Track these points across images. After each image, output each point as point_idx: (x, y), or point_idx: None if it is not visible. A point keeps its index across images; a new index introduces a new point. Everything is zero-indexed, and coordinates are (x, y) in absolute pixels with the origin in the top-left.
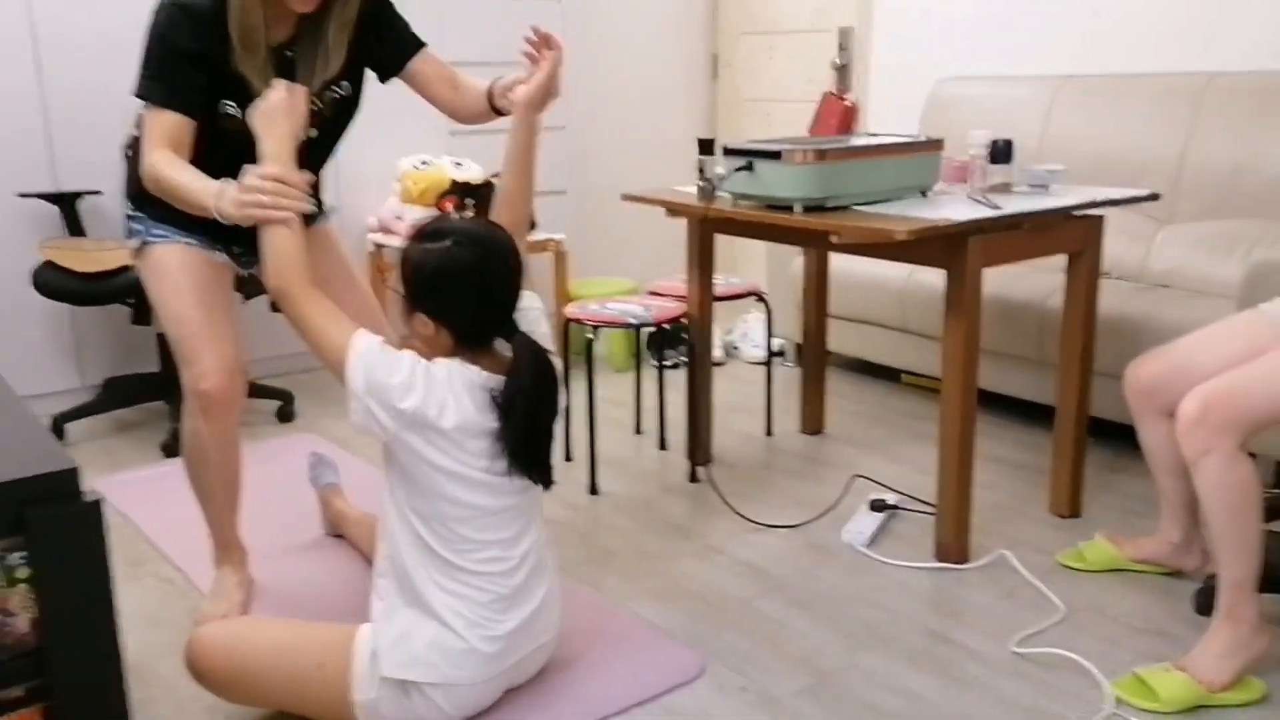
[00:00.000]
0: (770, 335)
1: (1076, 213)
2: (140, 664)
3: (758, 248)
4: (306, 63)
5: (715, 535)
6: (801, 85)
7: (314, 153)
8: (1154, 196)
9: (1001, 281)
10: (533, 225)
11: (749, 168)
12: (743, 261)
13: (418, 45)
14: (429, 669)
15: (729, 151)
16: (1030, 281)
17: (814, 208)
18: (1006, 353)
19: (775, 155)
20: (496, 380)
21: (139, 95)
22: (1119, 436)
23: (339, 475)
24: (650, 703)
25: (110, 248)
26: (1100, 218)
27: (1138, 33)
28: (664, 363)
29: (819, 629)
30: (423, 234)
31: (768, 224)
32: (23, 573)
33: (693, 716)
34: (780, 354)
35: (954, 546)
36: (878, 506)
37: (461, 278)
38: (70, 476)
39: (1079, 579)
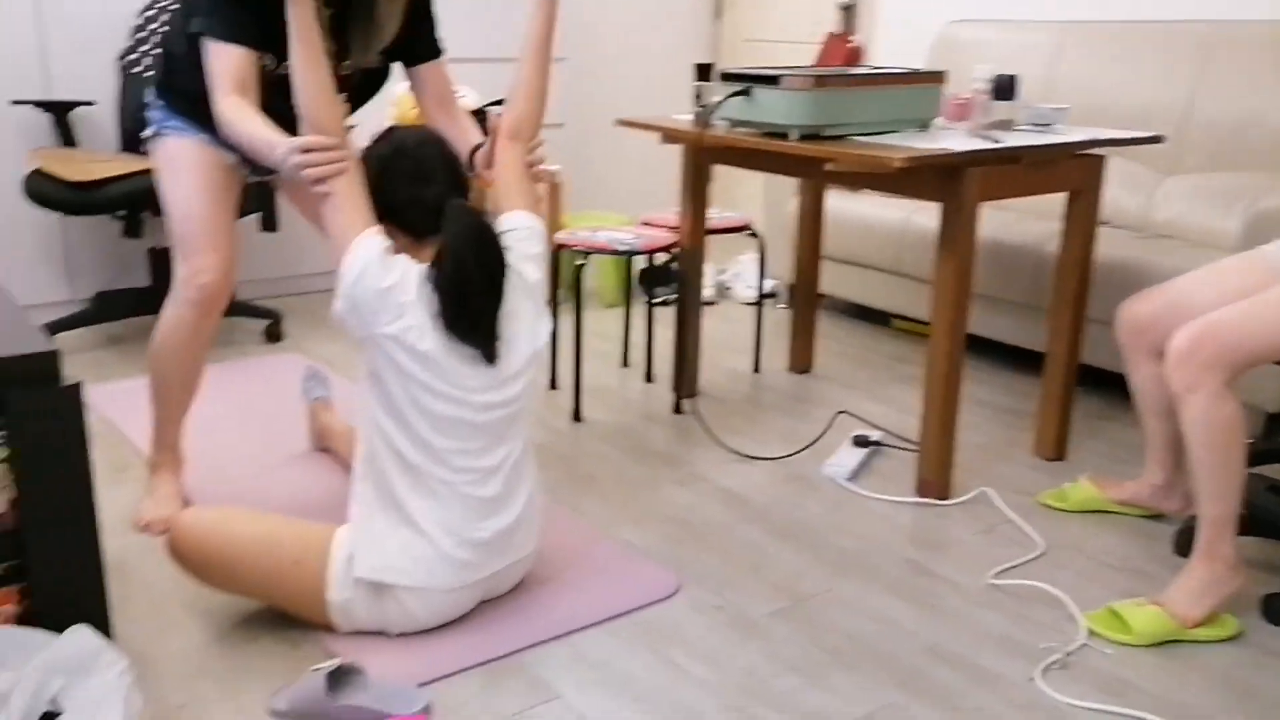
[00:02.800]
0: (763, 275)
1: (1078, 151)
2: (122, 562)
3: (754, 188)
4: (359, 43)
5: (698, 464)
6: (807, 27)
7: (349, 111)
8: (1157, 139)
9: (999, 226)
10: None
11: (746, 93)
12: (741, 201)
13: (436, 52)
14: (402, 573)
15: (727, 77)
16: (1028, 227)
17: (810, 136)
18: (1001, 298)
19: (773, 81)
20: None
21: (200, 31)
22: (1110, 385)
23: (330, 390)
24: (623, 617)
25: (102, 159)
26: (1101, 157)
27: None
28: (655, 299)
29: (797, 556)
30: (376, 138)
31: (763, 152)
32: (1, 453)
33: (666, 632)
34: (773, 295)
35: (935, 483)
36: (861, 442)
37: (383, 160)
38: (51, 359)
39: (1060, 518)
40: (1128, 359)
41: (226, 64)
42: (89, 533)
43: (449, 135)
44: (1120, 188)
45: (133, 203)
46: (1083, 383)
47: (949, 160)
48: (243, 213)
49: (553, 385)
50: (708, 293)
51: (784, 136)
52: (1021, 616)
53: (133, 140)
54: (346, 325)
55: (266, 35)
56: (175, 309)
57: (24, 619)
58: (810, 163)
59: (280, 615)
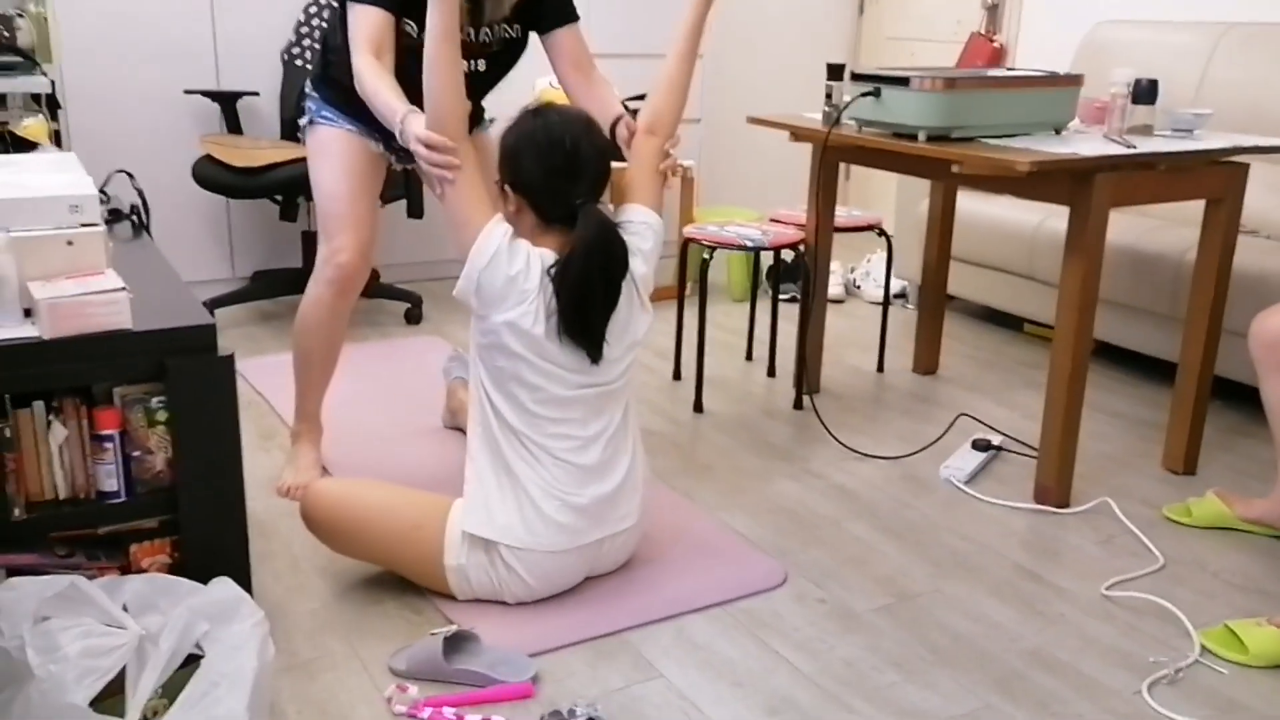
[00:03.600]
0: (890, 274)
1: (1218, 159)
2: (263, 522)
3: (888, 186)
4: None
5: (813, 460)
6: (950, 26)
7: (483, 84)
8: None
9: (1138, 233)
10: None
11: (876, 94)
12: (875, 199)
13: (570, 16)
14: (506, 531)
15: (857, 77)
16: (1168, 234)
17: (939, 138)
18: (1138, 306)
19: (903, 82)
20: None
21: None
22: (1247, 400)
23: (469, 372)
24: (728, 604)
25: (264, 146)
26: (1244, 166)
27: None
28: (782, 295)
29: (906, 554)
30: (523, 112)
31: (891, 152)
32: (161, 415)
33: (768, 621)
34: (903, 295)
35: (1054, 489)
36: (980, 446)
37: (536, 145)
38: (208, 332)
39: (1183, 533)
40: (1260, 373)
41: (366, 25)
42: (236, 493)
43: (585, 102)
44: (1271, 196)
45: (289, 188)
46: (1219, 396)
47: (1078, 165)
48: (389, 199)
49: (676, 376)
50: (836, 291)
51: (913, 137)
52: (1133, 629)
53: (292, 129)
54: (468, 304)
55: (409, 3)
56: (315, 287)
57: (175, 569)
58: (938, 164)
59: (403, 582)
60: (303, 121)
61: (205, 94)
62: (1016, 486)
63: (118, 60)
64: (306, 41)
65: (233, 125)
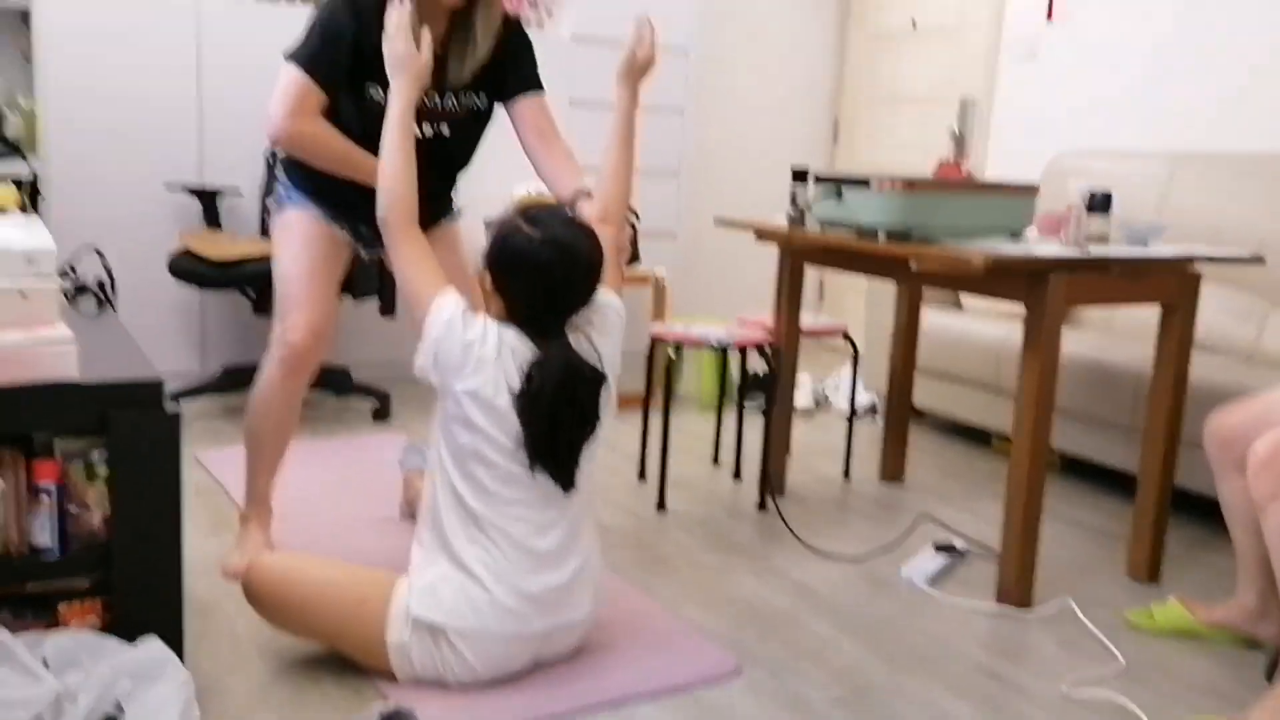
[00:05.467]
0: (856, 384)
1: (1171, 266)
2: (206, 603)
3: (859, 304)
4: (455, 59)
5: (774, 558)
6: (920, 155)
7: (447, 152)
8: (1258, 259)
9: (1100, 346)
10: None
11: (838, 194)
12: (848, 315)
13: (535, 85)
14: (453, 614)
15: (820, 179)
16: (1130, 349)
17: (899, 237)
18: (1101, 418)
19: (864, 183)
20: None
21: (290, 57)
22: (1211, 514)
23: (426, 462)
24: (678, 693)
25: (241, 242)
26: (1197, 274)
27: (1264, 109)
28: (750, 404)
29: (864, 649)
30: (524, 213)
31: (853, 252)
32: (101, 470)
33: (720, 711)
34: (873, 410)
35: (1015, 590)
36: (942, 548)
37: (532, 270)
38: (155, 387)
39: (1145, 638)
40: (1216, 472)
41: (299, 90)
42: (173, 555)
43: (546, 170)
44: (1229, 316)
45: (262, 281)
46: (1182, 510)
47: (1032, 264)
48: (361, 295)
49: (641, 477)
50: (806, 403)
51: (874, 237)
52: None
53: (269, 226)
54: (428, 378)
55: (371, 72)
56: (268, 366)
57: (104, 631)
58: (897, 262)
59: (344, 662)
60: (271, 203)
61: (187, 190)
62: (978, 588)
63: (102, 152)
64: None
65: (212, 221)
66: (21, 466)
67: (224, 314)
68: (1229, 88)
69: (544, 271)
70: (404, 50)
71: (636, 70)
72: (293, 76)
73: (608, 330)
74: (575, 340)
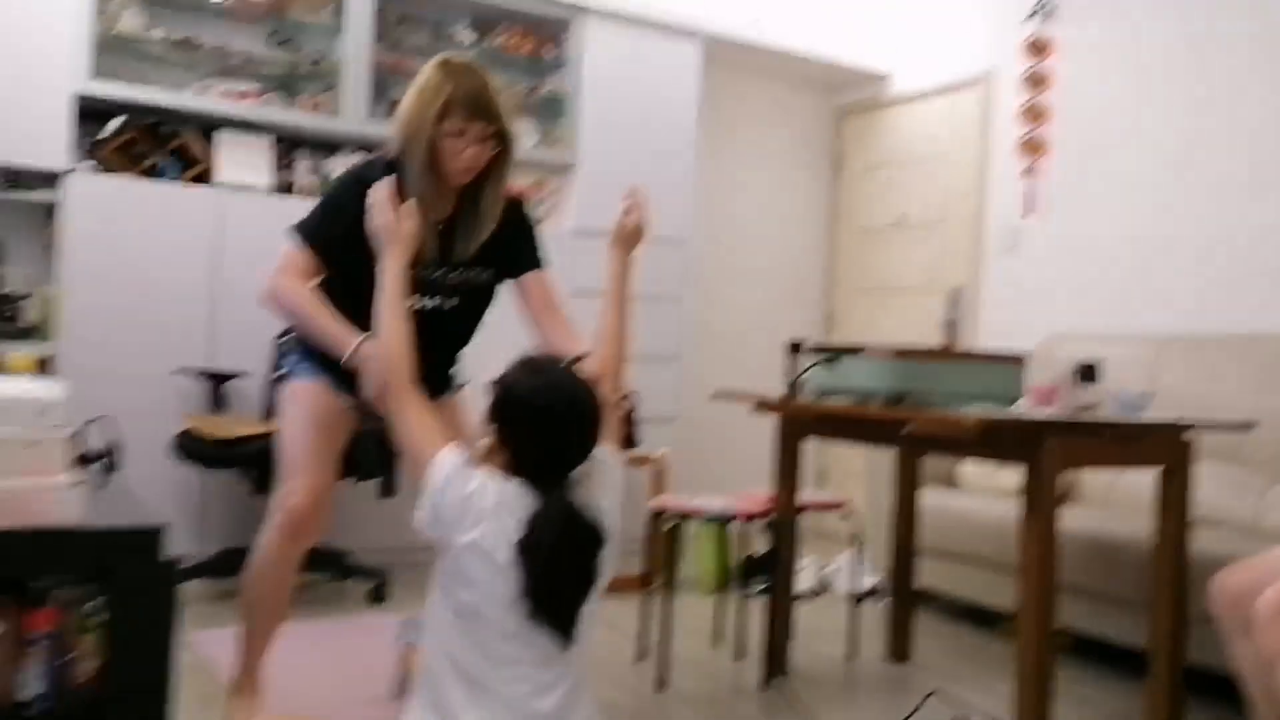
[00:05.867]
0: (860, 563)
1: (1163, 431)
2: None
3: (858, 489)
4: (462, 235)
5: None
6: (911, 341)
7: (449, 326)
8: (1246, 426)
9: (1101, 518)
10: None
11: (832, 362)
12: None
13: (540, 263)
14: None
15: (817, 349)
16: (1133, 522)
17: (894, 403)
18: (1108, 594)
19: (857, 351)
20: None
21: (294, 228)
22: (1234, 695)
23: (423, 629)
24: None
25: (244, 421)
26: (1189, 441)
27: (1250, 291)
28: (752, 588)
29: None
30: (525, 363)
31: (851, 420)
32: (95, 620)
33: None
34: (874, 592)
35: None
36: None
37: (533, 414)
38: (154, 534)
39: None
40: (1227, 635)
41: (299, 260)
42: (164, 710)
43: (551, 340)
44: (1228, 490)
45: (261, 460)
46: (1202, 690)
47: (1026, 426)
48: (365, 475)
49: (641, 656)
50: (810, 585)
51: (869, 402)
52: None
53: (273, 409)
54: (428, 533)
55: (354, 242)
56: (267, 533)
57: None
58: (893, 427)
59: None
60: (278, 373)
61: (198, 373)
62: None
63: (116, 336)
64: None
65: (218, 404)
66: (15, 615)
67: (224, 496)
68: (1208, 273)
69: (545, 415)
70: (387, 222)
71: (626, 237)
72: (288, 244)
73: (606, 487)
74: (575, 495)
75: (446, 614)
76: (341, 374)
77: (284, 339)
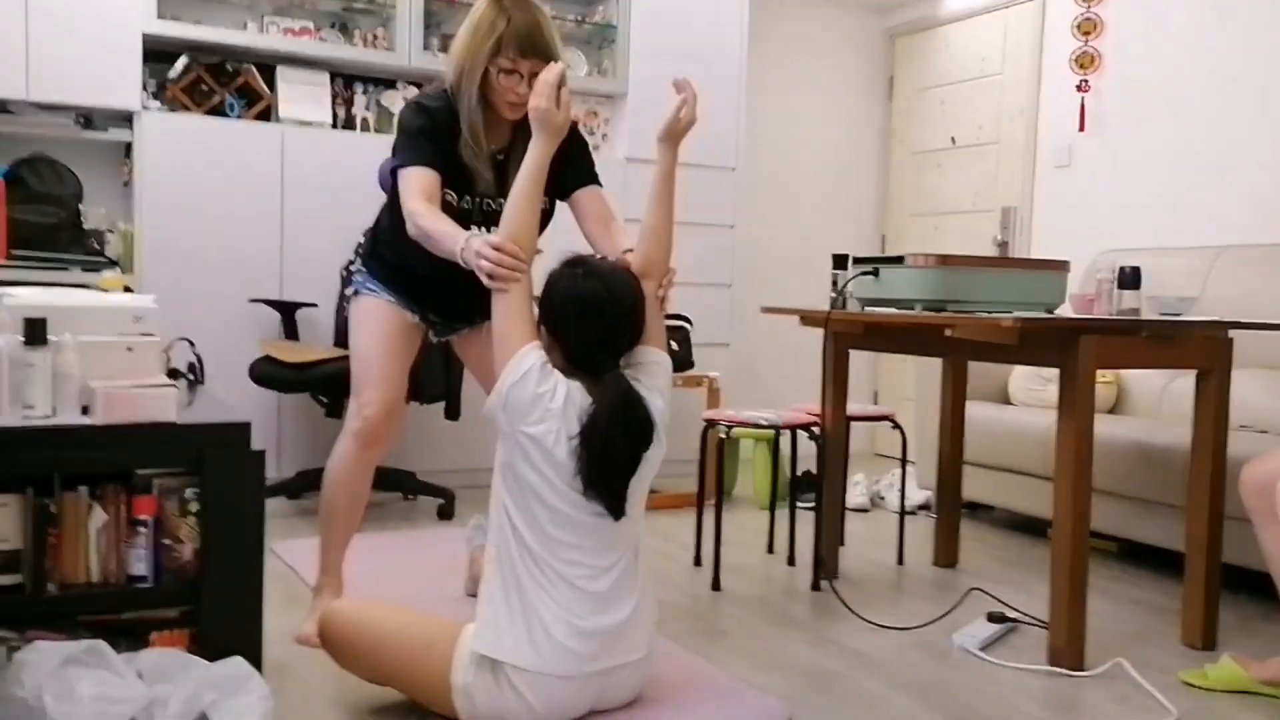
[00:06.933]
0: (905, 474)
1: (1202, 331)
2: (280, 664)
3: (908, 411)
4: (518, 163)
5: (829, 630)
6: None
7: None
8: None
9: (1148, 428)
10: (687, 345)
11: (875, 273)
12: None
13: (592, 179)
14: (514, 653)
15: (859, 261)
16: (1177, 431)
17: (935, 310)
18: (1153, 500)
19: (899, 260)
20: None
21: (397, 165)
22: (1270, 591)
23: (489, 520)
24: None
25: (316, 348)
26: (1230, 339)
27: None
28: (803, 504)
29: (917, 705)
30: (569, 260)
31: (893, 330)
32: (194, 506)
33: None
34: (926, 506)
35: (1067, 652)
36: (995, 618)
37: (579, 302)
38: (244, 428)
39: (1198, 694)
40: (1256, 522)
41: (415, 183)
42: (254, 587)
43: (604, 248)
44: (1270, 396)
45: (334, 383)
46: (1240, 586)
47: (1063, 325)
48: (429, 398)
49: (696, 562)
50: (862, 501)
51: (911, 310)
52: None
53: (343, 336)
54: (496, 419)
55: (449, 171)
56: (342, 440)
57: None
58: (936, 335)
59: (413, 711)
60: (348, 292)
61: (269, 303)
62: (1032, 656)
63: (191, 269)
64: None
65: (290, 333)
66: (123, 501)
67: (300, 422)
68: (1262, 187)
69: (590, 302)
70: (545, 107)
71: (679, 130)
72: (403, 173)
73: (656, 383)
74: (628, 383)
75: (508, 496)
76: (411, 293)
77: (352, 263)
